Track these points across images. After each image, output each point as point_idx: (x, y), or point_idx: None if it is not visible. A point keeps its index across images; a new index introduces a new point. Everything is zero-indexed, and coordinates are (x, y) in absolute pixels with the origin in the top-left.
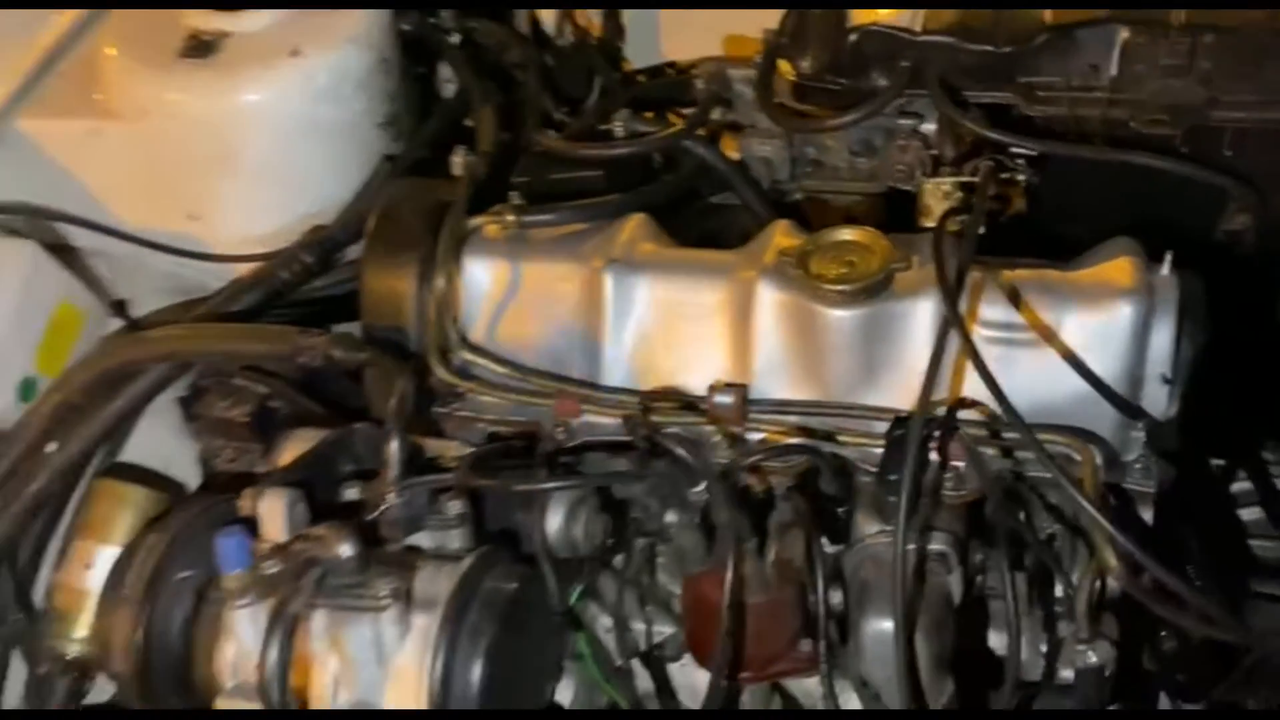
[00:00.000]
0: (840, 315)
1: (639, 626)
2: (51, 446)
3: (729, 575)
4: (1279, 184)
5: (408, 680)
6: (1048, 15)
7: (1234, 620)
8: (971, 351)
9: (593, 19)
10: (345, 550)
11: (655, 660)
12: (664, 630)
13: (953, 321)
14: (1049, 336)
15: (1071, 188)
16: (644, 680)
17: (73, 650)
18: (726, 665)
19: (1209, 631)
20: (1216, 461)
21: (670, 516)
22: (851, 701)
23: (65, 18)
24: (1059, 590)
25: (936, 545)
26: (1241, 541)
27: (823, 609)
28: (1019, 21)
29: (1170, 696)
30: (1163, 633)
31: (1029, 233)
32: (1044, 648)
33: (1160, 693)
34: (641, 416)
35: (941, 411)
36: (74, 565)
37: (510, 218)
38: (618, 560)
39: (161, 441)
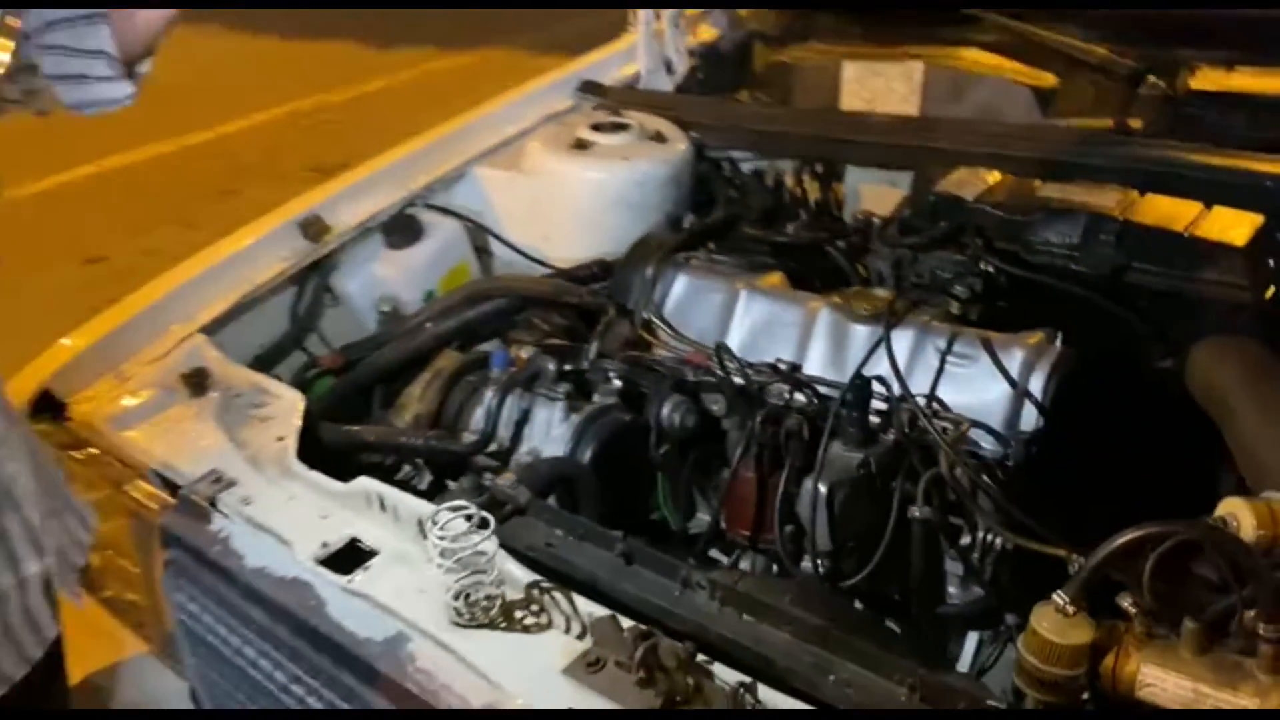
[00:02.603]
0: (857, 328)
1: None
2: (429, 326)
3: (737, 454)
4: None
5: (557, 444)
6: (1049, 196)
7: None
8: (890, 355)
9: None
10: (549, 365)
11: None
12: None
13: (885, 339)
14: (973, 362)
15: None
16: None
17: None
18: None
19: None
20: None
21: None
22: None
23: (519, 126)
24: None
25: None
26: None
27: (782, 487)
28: (1029, 200)
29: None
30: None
31: None
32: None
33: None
34: (719, 355)
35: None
36: (416, 385)
37: (702, 255)
38: None
39: None
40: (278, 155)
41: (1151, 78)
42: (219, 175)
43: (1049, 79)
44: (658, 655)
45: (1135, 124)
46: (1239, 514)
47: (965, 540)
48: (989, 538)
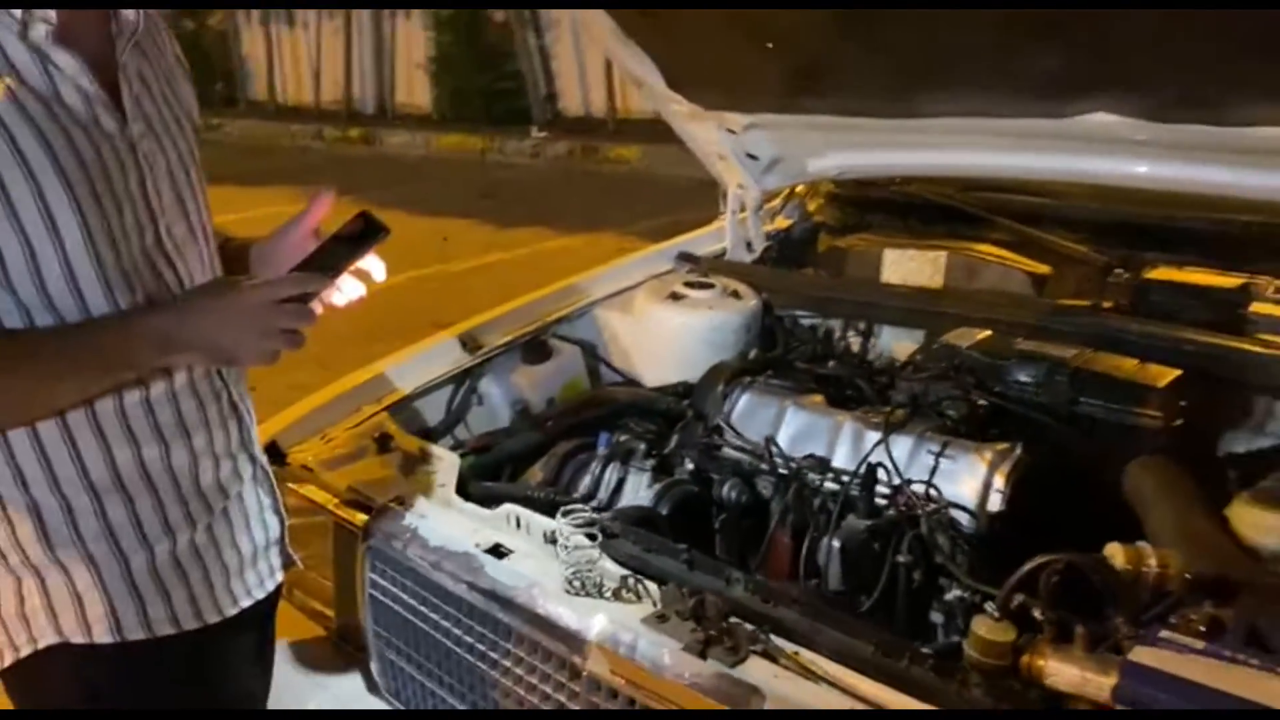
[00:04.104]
0: (870, 433)
1: None
2: (550, 424)
3: (773, 522)
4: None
5: (643, 503)
6: (1023, 348)
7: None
8: (887, 451)
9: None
10: (640, 445)
11: None
12: None
13: (885, 439)
14: (955, 460)
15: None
16: None
17: None
18: (769, 568)
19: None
20: None
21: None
22: None
23: (630, 281)
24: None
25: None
26: None
27: (806, 543)
28: (1008, 349)
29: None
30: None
31: None
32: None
33: None
34: (768, 449)
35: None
36: (538, 465)
37: (761, 380)
38: None
39: None
40: (406, 314)
41: (1119, 270)
42: (352, 327)
43: (1043, 268)
44: (704, 608)
45: (1107, 304)
46: (1114, 553)
47: (947, 596)
48: (962, 594)
